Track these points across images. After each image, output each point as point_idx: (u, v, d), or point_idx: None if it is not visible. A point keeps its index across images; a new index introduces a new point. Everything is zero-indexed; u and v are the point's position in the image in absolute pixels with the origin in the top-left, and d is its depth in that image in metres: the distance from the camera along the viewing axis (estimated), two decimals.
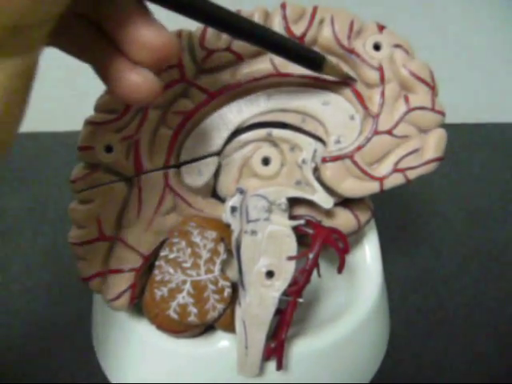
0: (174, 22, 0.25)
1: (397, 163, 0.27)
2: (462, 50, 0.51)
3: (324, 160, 0.28)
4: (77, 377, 0.33)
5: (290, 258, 0.27)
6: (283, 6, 0.28)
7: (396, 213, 0.43)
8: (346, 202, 0.29)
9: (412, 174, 0.27)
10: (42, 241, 0.40)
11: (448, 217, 0.44)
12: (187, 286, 0.27)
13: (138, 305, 0.28)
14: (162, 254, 0.27)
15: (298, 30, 0.27)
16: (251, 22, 0.23)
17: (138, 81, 0.19)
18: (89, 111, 0.27)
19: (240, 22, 0.22)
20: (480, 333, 0.36)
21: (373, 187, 0.27)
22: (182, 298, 0.27)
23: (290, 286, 0.27)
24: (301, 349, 0.28)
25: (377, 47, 0.28)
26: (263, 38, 0.23)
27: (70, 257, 0.28)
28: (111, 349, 0.31)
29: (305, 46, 0.27)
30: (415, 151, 0.27)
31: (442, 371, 0.34)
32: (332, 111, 0.28)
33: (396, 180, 0.27)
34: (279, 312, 0.27)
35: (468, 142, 0.50)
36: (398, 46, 0.28)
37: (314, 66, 0.26)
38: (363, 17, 0.28)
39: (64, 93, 0.50)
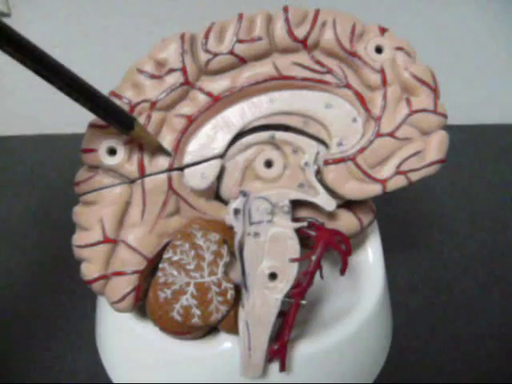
0: (177, 24, 0.26)
1: (399, 165, 0.27)
2: (464, 52, 0.51)
3: (326, 162, 0.28)
4: (80, 378, 0.33)
5: (293, 260, 0.27)
6: (285, 9, 0.28)
7: (398, 215, 0.43)
8: (348, 204, 0.29)
9: (414, 176, 0.27)
10: (46, 243, 0.40)
11: (450, 218, 0.44)
12: (191, 288, 0.27)
13: (142, 307, 0.28)
14: (166, 256, 0.27)
15: (300, 33, 0.28)
16: (69, 74, 0.21)
17: None
18: (90, 114, 0.27)
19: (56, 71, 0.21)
20: (482, 334, 0.36)
21: (375, 189, 0.28)
22: (186, 299, 0.27)
23: (292, 287, 0.27)
24: (304, 350, 0.28)
25: (379, 50, 0.28)
26: (77, 89, 0.22)
27: (72, 258, 0.28)
28: (115, 350, 0.31)
29: (119, 106, 0.25)
30: (417, 153, 0.27)
31: (443, 372, 0.34)
32: (334, 114, 0.28)
33: (398, 182, 0.28)
34: (282, 314, 0.27)
35: (470, 143, 0.50)
36: (399, 48, 0.28)
37: (125, 126, 0.25)
38: (365, 20, 0.28)
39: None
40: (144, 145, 0.27)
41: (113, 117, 0.25)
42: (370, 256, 0.32)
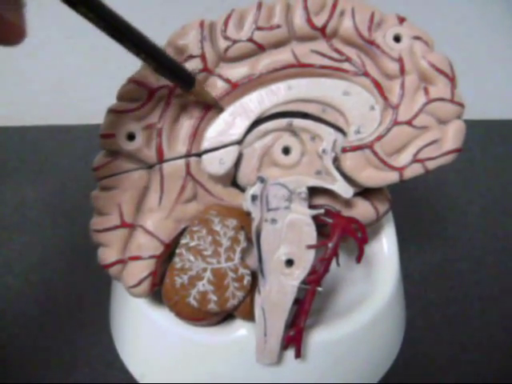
0: (196, 12, 0.26)
1: (416, 154, 0.28)
2: (476, 47, 0.51)
3: (344, 150, 0.28)
4: (94, 364, 0.33)
5: (310, 247, 0.27)
6: None
7: (412, 206, 0.43)
8: (364, 193, 0.29)
9: (431, 165, 0.28)
10: (60, 231, 0.40)
11: (463, 211, 0.44)
12: (207, 274, 0.27)
13: (157, 293, 0.28)
14: (183, 241, 0.27)
15: (318, 21, 0.28)
16: (134, 29, 0.22)
17: None
18: (103, 105, 0.27)
19: (124, 27, 0.22)
20: (495, 326, 0.36)
21: (392, 177, 0.28)
22: (202, 285, 0.27)
23: (309, 274, 0.27)
24: (318, 338, 0.28)
25: (397, 39, 0.28)
26: (140, 44, 0.23)
27: (86, 246, 0.28)
28: (129, 336, 0.32)
29: (182, 66, 0.26)
30: (434, 142, 0.28)
31: (457, 364, 0.34)
32: (352, 101, 0.28)
33: (415, 170, 0.28)
34: (298, 301, 0.27)
35: (483, 137, 0.50)
36: (417, 37, 0.28)
37: (187, 83, 0.26)
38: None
39: (80, 86, 0.50)
40: (162, 129, 0.27)
41: (176, 75, 0.25)
42: (385, 246, 0.32)
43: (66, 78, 0.50)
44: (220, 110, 0.28)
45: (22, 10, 0.18)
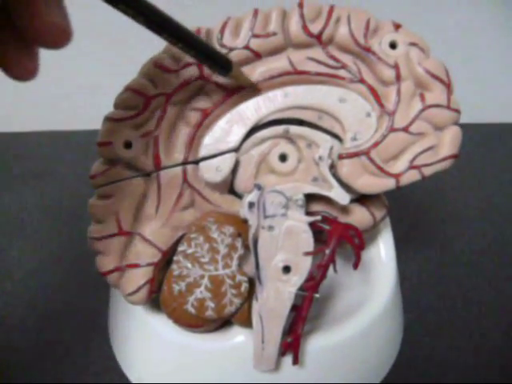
0: (191, 19, 0.26)
1: (412, 160, 0.28)
2: (474, 50, 0.52)
3: (340, 157, 0.28)
4: (93, 371, 0.33)
5: (307, 254, 0.27)
6: (300, 5, 0.28)
7: (409, 211, 0.43)
8: (361, 199, 0.29)
9: (428, 171, 0.28)
10: (59, 237, 0.41)
11: (461, 215, 0.44)
12: (205, 281, 0.27)
13: (155, 300, 0.28)
14: (180, 248, 0.27)
15: (314, 28, 0.28)
16: (171, 20, 0.23)
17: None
18: (103, 110, 0.28)
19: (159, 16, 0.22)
20: (492, 330, 0.36)
21: (389, 184, 0.28)
22: (200, 292, 0.27)
23: (306, 281, 0.27)
24: (316, 344, 0.28)
25: (393, 45, 0.28)
26: (178, 34, 0.23)
27: (85, 253, 0.28)
28: (127, 343, 0.32)
29: (218, 52, 0.27)
30: (431, 148, 0.28)
31: (454, 367, 0.34)
32: (348, 108, 0.28)
33: (412, 177, 0.28)
34: (295, 308, 0.27)
35: (480, 141, 0.50)
36: (413, 44, 0.28)
37: (223, 68, 0.26)
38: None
39: (79, 92, 0.50)
40: (159, 137, 0.27)
41: (214, 60, 0.26)
42: (382, 251, 0.32)
43: (66, 83, 0.50)
44: (257, 91, 0.28)
45: (64, 7, 0.17)
